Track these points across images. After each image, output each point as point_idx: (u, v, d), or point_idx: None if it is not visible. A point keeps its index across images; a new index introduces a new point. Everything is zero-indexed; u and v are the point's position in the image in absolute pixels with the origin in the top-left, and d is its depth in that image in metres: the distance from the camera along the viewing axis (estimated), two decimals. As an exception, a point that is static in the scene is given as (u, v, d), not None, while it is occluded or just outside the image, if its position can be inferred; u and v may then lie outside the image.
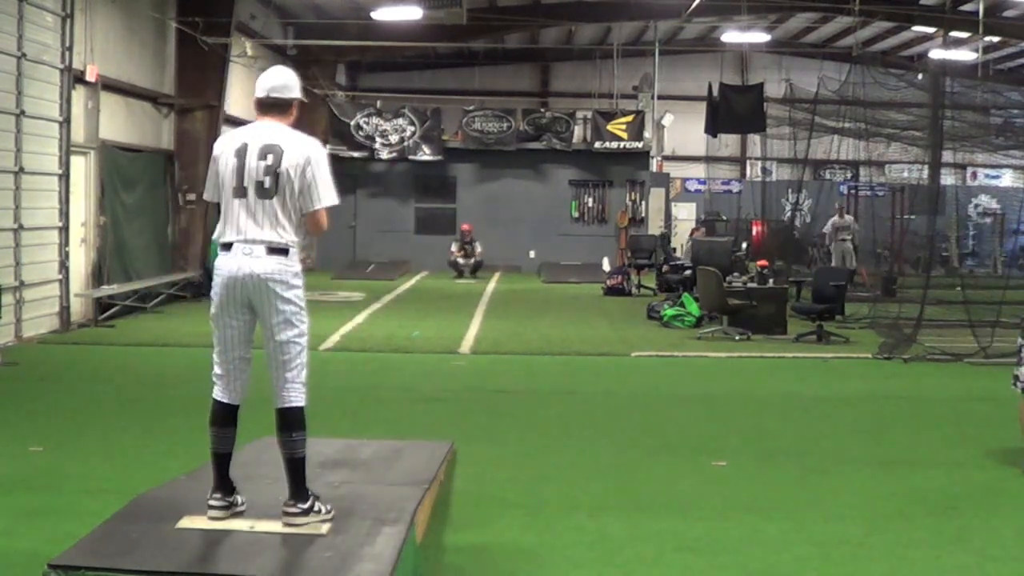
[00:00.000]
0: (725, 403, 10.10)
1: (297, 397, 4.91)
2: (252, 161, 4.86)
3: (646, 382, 11.30)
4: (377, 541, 4.68)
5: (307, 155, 4.90)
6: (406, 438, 7.34)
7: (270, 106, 5.01)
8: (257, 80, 5.10)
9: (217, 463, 4.94)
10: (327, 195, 4.93)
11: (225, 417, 4.97)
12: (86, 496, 6.29)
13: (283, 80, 5.05)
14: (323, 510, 4.93)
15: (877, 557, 5.49)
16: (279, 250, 4.85)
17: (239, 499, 5.00)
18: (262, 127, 4.98)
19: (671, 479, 7.10)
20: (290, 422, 4.88)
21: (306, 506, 4.87)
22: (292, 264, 4.88)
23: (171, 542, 4.65)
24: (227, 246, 4.89)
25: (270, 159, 4.85)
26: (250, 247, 4.84)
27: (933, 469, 7.50)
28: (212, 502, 4.90)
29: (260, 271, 4.82)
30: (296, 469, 4.88)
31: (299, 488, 4.88)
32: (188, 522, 4.86)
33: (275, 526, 4.86)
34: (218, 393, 4.99)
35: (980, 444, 8.31)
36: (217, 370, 5.00)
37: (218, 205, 4.99)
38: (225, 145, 4.98)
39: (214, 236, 5.02)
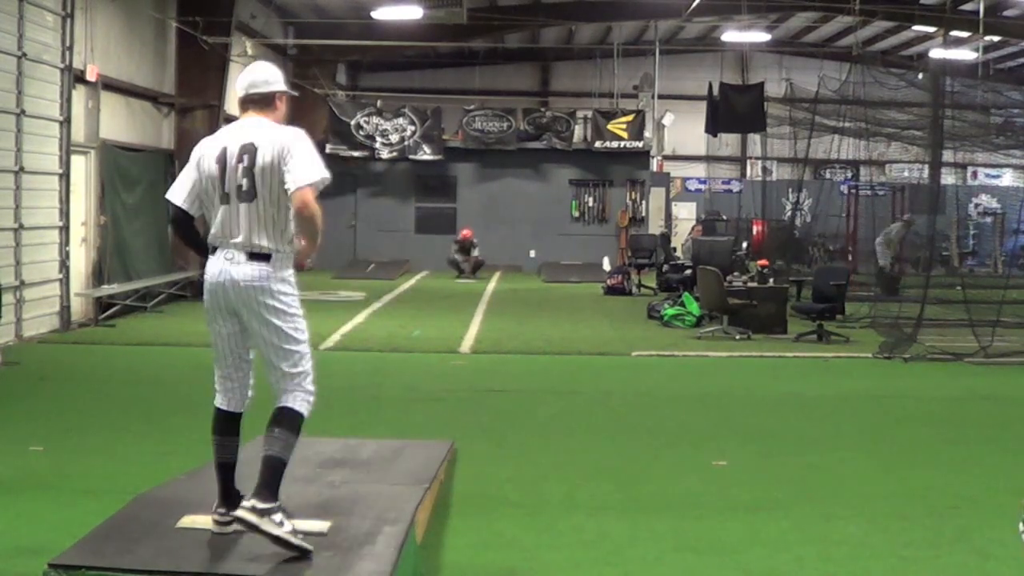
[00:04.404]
0: (725, 403, 10.09)
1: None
2: (232, 163, 4.65)
3: (646, 382, 11.29)
4: (377, 541, 4.68)
5: (282, 145, 4.62)
6: (406, 438, 7.34)
7: (251, 102, 4.81)
8: (237, 79, 4.97)
9: (219, 474, 4.77)
10: (307, 173, 4.56)
11: (226, 425, 4.82)
12: (86, 496, 6.28)
13: (263, 75, 4.84)
14: (284, 524, 4.48)
15: (877, 557, 5.48)
16: (260, 256, 4.64)
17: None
18: (243, 124, 4.77)
19: (671, 479, 7.09)
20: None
21: (266, 506, 4.46)
22: (277, 270, 4.66)
23: (171, 542, 4.65)
24: (212, 249, 4.74)
25: (246, 160, 4.65)
26: (232, 252, 4.66)
27: (933, 469, 7.50)
28: (215, 516, 4.75)
29: (241, 277, 4.63)
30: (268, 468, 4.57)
31: (266, 488, 4.51)
32: (188, 522, 4.85)
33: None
34: (218, 400, 4.85)
35: (980, 444, 8.31)
36: (216, 376, 4.86)
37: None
38: (205, 149, 4.77)
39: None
